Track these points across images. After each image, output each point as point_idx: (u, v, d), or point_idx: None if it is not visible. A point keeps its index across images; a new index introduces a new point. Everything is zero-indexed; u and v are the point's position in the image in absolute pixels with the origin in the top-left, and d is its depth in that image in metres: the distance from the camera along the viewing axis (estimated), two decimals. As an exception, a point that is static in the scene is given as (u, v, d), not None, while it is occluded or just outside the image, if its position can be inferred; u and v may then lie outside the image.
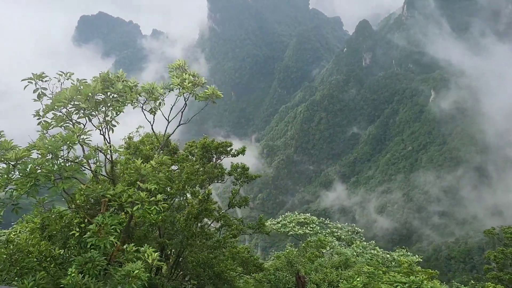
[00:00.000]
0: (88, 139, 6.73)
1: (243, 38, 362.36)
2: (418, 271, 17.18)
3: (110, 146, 7.83)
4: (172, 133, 9.45)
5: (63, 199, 8.41)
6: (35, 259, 8.12)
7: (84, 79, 7.56)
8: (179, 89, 7.88)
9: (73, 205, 8.39)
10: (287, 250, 20.23)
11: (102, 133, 7.60)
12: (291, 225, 25.47)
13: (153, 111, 8.06)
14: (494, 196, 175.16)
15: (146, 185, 7.31)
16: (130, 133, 20.19)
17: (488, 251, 21.80)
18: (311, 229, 24.84)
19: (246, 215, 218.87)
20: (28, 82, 7.29)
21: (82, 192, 7.37)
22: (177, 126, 8.41)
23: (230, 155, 15.38)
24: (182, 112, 8.21)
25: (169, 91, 7.99)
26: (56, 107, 6.70)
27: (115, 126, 7.50)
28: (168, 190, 12.08)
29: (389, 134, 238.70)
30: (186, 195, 13.99)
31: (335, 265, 17.24)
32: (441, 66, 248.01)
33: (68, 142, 6.18)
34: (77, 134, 6.40)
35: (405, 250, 22.37)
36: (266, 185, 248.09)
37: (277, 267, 18.02)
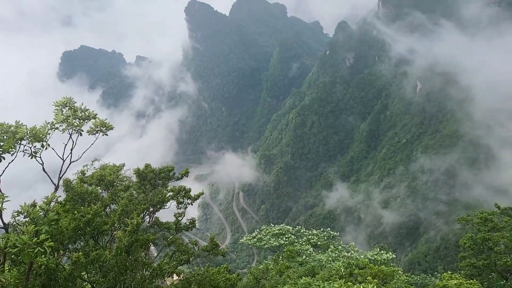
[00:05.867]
0: None
1: (227, 53, 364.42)
2: (380, 270, 16.98)
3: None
4: (64, 173, 9.27)
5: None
6: None
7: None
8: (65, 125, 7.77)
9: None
10: (252, 267, 19.87)
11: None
12: (266, 238, 25.15)
13: (33, 155, 7.86)
14: (498, 175, 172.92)
15: (29, 228, 7.15)
16: (84, 166, 19.83)
17: (462, 238, 21.54)
18: (286, 239, 24.55)
19: (252, 227, 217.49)
20: None
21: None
22: (69, 165, 8.25)
23: (174, 180, 15.17)
24: (71, 150, 8.09)
25: (54, 130, 7.83)
26: None
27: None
28: (104, 227, 11.86)
29: (382, 129, 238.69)
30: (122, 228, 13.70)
31: (301, 275, 16.96)
32: (423, 56, 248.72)
33: None
34: None
35: (378, 249, 22.07)
36: (268, 195, 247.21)
37: (243, 286, 17.71)
